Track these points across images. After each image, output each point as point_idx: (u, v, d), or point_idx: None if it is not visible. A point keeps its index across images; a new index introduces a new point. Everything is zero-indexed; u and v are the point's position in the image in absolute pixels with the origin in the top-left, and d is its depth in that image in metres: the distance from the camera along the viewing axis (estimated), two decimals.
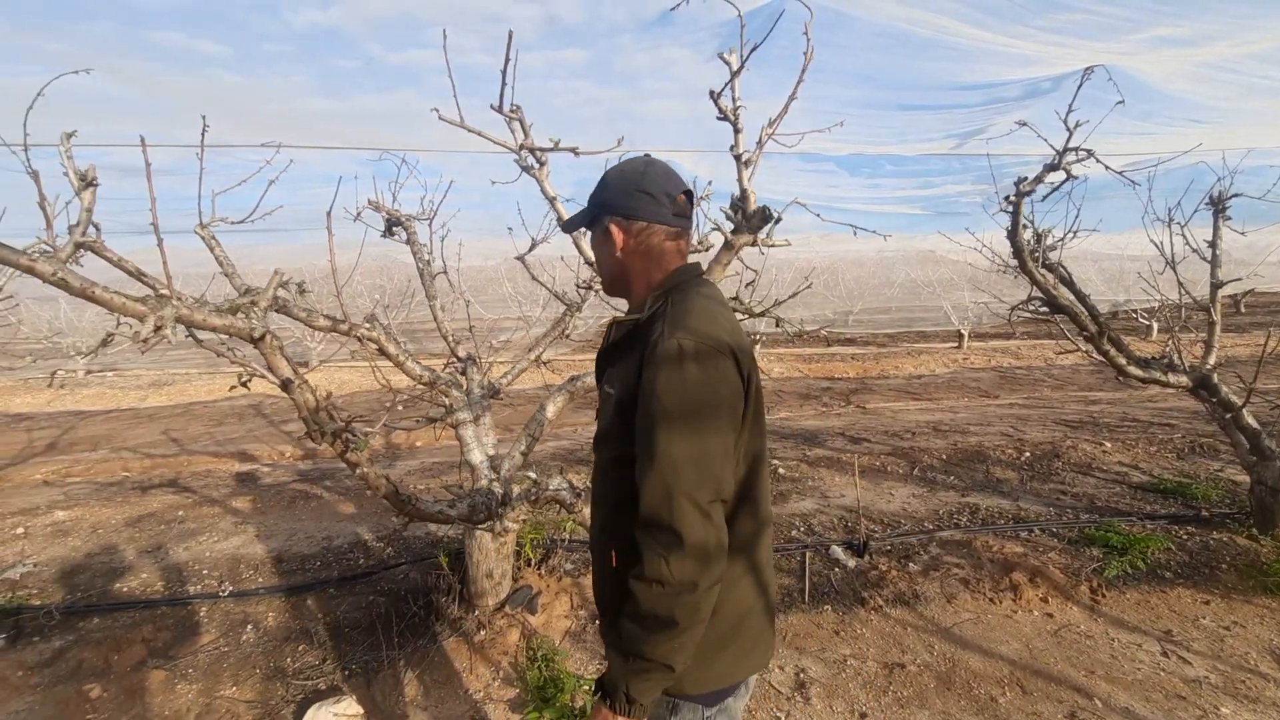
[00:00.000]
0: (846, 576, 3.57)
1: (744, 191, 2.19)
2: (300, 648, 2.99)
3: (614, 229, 1.23)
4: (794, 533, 4.16)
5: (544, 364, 4.28)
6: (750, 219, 2.22)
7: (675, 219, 1.24)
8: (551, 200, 2.11)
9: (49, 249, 1.67)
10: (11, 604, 3.21)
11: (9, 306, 4.51)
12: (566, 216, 2.22)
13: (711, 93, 2.07)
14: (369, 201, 3.35)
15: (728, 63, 2.10)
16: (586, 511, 2.90)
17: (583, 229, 1.43)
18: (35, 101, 1.96)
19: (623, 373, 1.18)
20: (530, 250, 4.04)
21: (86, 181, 1.56)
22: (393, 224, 3.42)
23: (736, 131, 2.15)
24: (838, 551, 3.80)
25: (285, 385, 1.84)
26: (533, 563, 3.35)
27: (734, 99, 2.12)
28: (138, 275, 2.58)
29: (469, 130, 2.06)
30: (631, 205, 1.22)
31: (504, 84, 1.79)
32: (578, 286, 3.09)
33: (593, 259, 1.43)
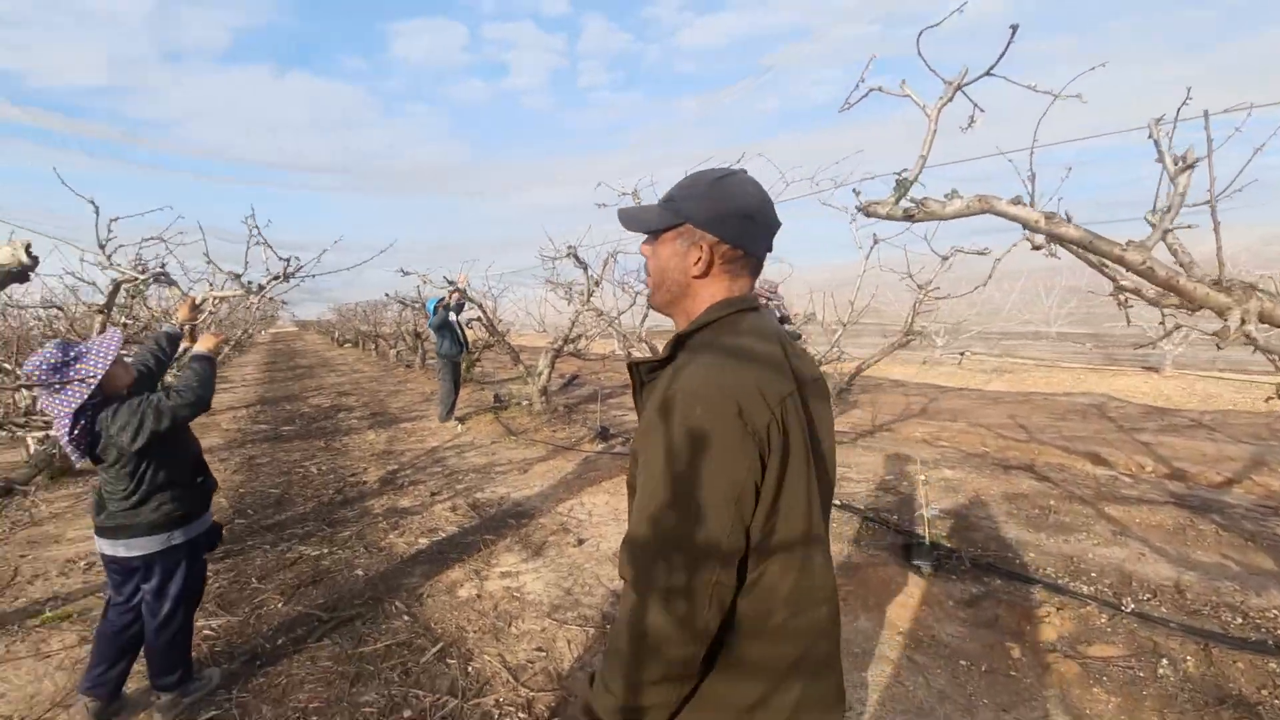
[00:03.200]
0: None
1: None
2: (1226, 715, 2.46)
3: (706, 248, 1.07)
4: None
5: None
6: None
7: (765, 254, 1.12)
8: None
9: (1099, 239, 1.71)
10: (933, 539, 3.93)
11: (939, 295, 5.52)
12: None
13: None
14: None
15: None
16: None
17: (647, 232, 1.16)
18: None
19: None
20: None
21: (1187, 164, 1.48)
22: None
23: None
24: None
25: None
26: None
27: None
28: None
29: None
30: (739, 232, 1.07)
31: None
32: None
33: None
